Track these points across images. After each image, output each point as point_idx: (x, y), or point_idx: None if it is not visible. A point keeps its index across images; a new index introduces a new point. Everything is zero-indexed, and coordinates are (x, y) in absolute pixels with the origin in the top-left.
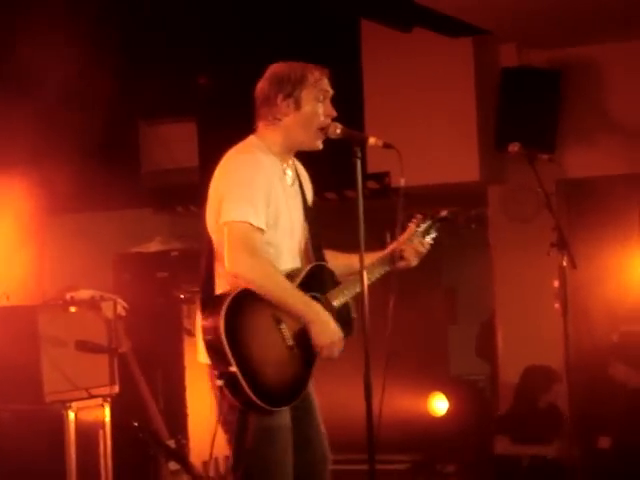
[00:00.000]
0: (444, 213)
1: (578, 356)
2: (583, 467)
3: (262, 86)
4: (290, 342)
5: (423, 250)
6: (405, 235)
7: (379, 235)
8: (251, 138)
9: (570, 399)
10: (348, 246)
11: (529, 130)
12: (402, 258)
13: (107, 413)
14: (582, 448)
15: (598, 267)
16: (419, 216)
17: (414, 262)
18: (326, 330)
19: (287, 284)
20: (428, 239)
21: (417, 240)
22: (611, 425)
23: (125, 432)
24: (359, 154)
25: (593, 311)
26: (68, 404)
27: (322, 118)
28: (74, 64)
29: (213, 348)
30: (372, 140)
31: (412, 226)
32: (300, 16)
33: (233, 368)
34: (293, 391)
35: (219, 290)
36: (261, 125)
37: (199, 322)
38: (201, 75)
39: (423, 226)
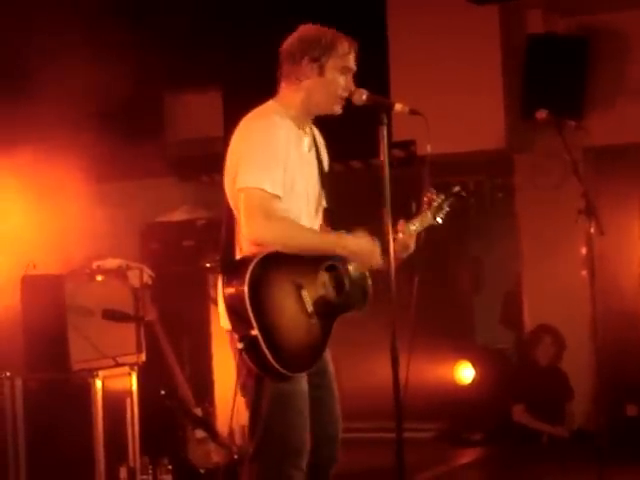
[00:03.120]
0: (456, 189)
1: (606, 323)
2: (611, 434)
3: (290, 43)
4: (310, 309)
5: (411, 245)
6: (420, 214)
7: (405, 204)
8: (269, 103)
9: (598, 367)
10: (373, 215)
11: (556, 97)
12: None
13: (134, 381)
14: (610, 415)
15: (626, 234)
16: (433, 190)
17: (403, 254)
18: (362, 258)
19: (308, 232)
20: (441, 215)
21: (411, 231)
22: (638, 392)
23: (152, 400)
24: (385, 120)
25: (621, 278)
26: (95, 372)
27: (341, 89)
28: (101, 35)
29: (235, 311)
30: (398, 106)
31: (426, 200)
32: None
33: (254, 331)
34: (311, 357)
35: (239, 255)
36: (283, 85)
37: (221, 286)
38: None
39: (437, 201)
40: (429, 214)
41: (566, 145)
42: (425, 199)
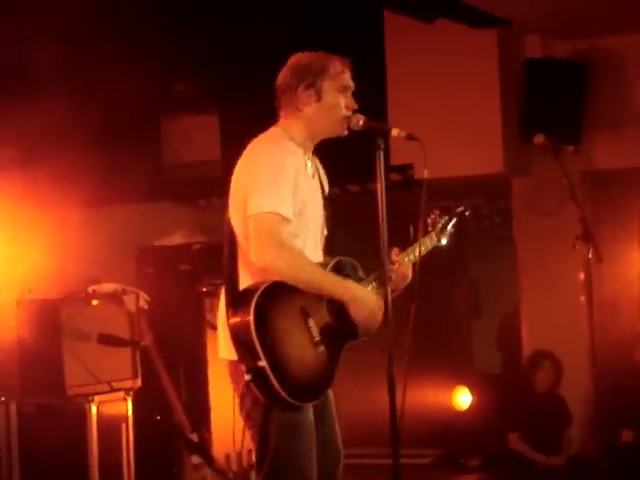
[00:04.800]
0: (460, 209)
1: (603, 349)
2: (606, 460)
3: (283, 76)
4: (317, 337)
5: (409, 274)
6: (425, 237)
7: (402, 228)
8: (274, 129)
9: (595, 392)
10: (371, 239)
11: (554, 122)
12: (390, 279)
13: (129, 406)
14: (606, 442)
15: (624, 260)
16: (436, 212)
17: (401, 285)
18: (363, 306)
19: (316, 269)
20: (445, 237)
21: (406, 261)
22: (635, 419)
23: (147, 426)
24: (382, 145)
25: (618, 304)
26: (90, 397)
27: (344, 110)
28: (97, 58)
29: (242, 342)
30: (395, 131)
31: (430, 222)
32: (323, 7)
33: (262, 362)
34: (319, 386)
35: (243, 283)
36: (282, 115)
37: (222, 316)
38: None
39: (441, 222)
40: (434, 236)
41: (564, 170)
42: (429, 221)
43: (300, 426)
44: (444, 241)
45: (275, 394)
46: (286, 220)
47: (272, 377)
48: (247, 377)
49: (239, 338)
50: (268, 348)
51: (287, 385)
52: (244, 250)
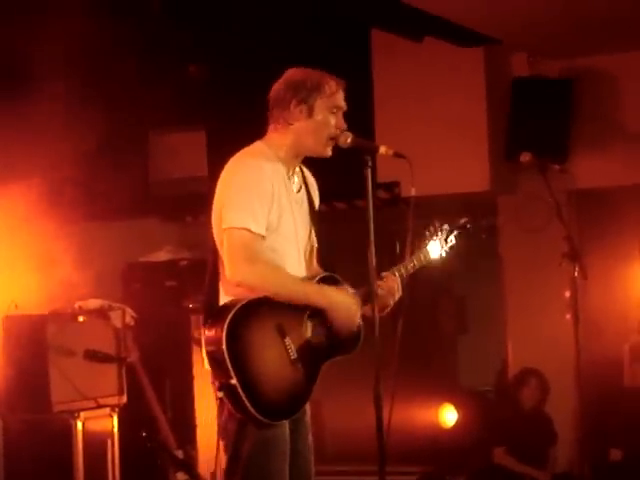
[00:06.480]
0: (463, 220)
1: (589, 367)
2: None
3: (277, 88)
4: (294, 356)
5: (398, 289)
6: (415, 252)
7: (389, 245)
8: (257, 144)
9: (581, 410)
10: (358, 256)
11: (540, 140)
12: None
13: (115, 423)
14: (593, 460)
15: (610, 278)
16: (437, 224)
17: (390, 301)
18: (341, 309)
19: (292, 279)
20: (446, 249)
21: (397, 275)
22: (622, 437)
23: (133, 442)
24: (370, 163)
25: (604, 322)
26: (76, 414)
27: (333, 129)
28: (82, 72)
29: (214, 359)
30: (383, 149)
31: (428, 235)
32: (311, 25)
33: (233, 380)
34: (293, 405)
35: (224, 299)
36: (271, 128)
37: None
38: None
39: (438, 235)
40: (428, 250)
41: (549, 188)
42: (427, 233)
43: (274, 442)
44: (444, 253)
45: (247, 412)
46: (257, 236)
47: (243, 395)
48: (219, 394)
49: (212, 354)
50: (240, 366)
51: (259, 403)
52: (223, 262)
